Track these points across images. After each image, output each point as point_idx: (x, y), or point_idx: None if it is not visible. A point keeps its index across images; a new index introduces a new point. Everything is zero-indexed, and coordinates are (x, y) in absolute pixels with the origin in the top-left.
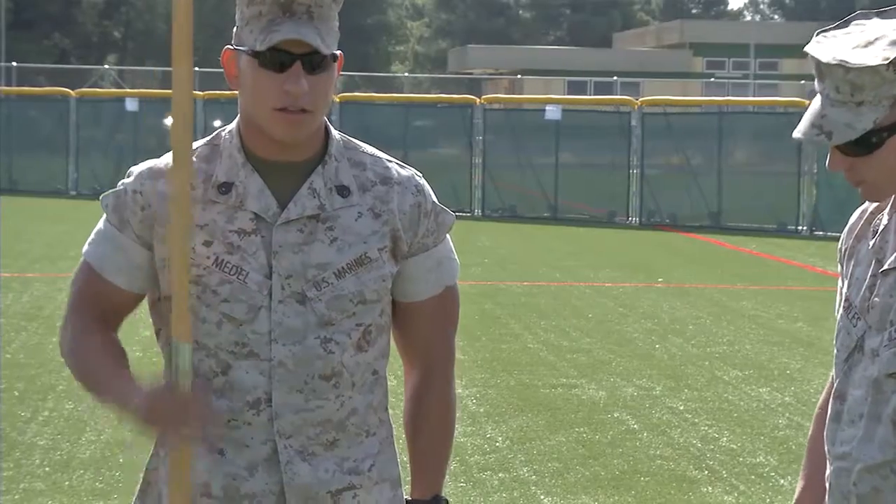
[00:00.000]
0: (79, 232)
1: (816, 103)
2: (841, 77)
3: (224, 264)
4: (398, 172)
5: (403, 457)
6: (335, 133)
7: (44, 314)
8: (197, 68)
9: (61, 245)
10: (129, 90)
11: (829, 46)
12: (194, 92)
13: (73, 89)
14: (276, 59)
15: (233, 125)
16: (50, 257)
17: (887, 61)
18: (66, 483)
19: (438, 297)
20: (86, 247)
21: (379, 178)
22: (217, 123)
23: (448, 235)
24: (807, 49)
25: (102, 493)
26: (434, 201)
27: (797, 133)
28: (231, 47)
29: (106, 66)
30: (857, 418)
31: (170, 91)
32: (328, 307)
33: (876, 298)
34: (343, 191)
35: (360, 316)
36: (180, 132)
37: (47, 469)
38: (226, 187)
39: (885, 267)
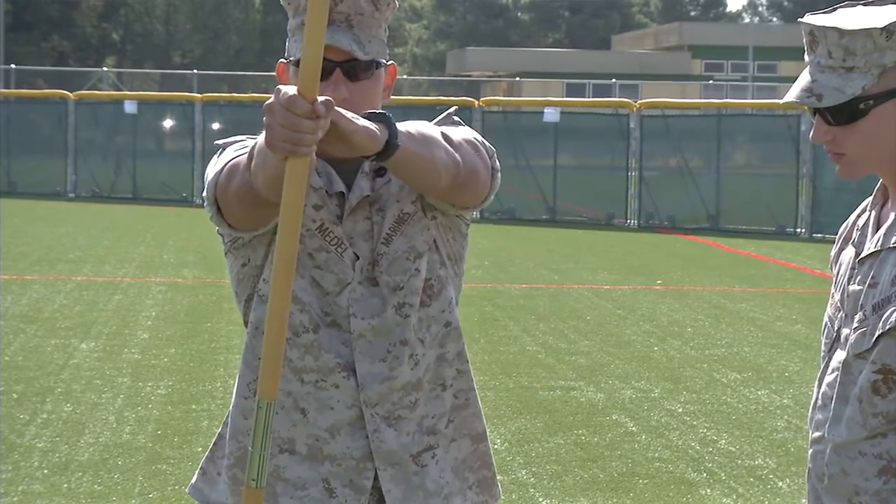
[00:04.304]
0: (78, 234)
1: (806, 72)
2: (835, 41)
3: (328, 233)
4: None
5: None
6: None
7: (42, 316)
8: (195, 70)
9: (60, 247)
10: (127, 93)
11: (822, 16)
12: (192, 94)
13: (71, 92)
14: None
15: None
16: (49, 260)
17: (882, 26)
18: (65, 485)
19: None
20: (214, 166)
21: None
22: (216, 126)
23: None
24: (801, 19)
25: (101, 496)
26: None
27: (788, 97)
28: (284, 60)
29: (104, 69)
30: (829, 401)
31: (168, 93)
32: (389, 273)
33: (852, 287)
34: (381, 171)
35: (418, 269)
36: (292, 195)
37: (46, 471)
38: (317, 172)
39: (862, 255)
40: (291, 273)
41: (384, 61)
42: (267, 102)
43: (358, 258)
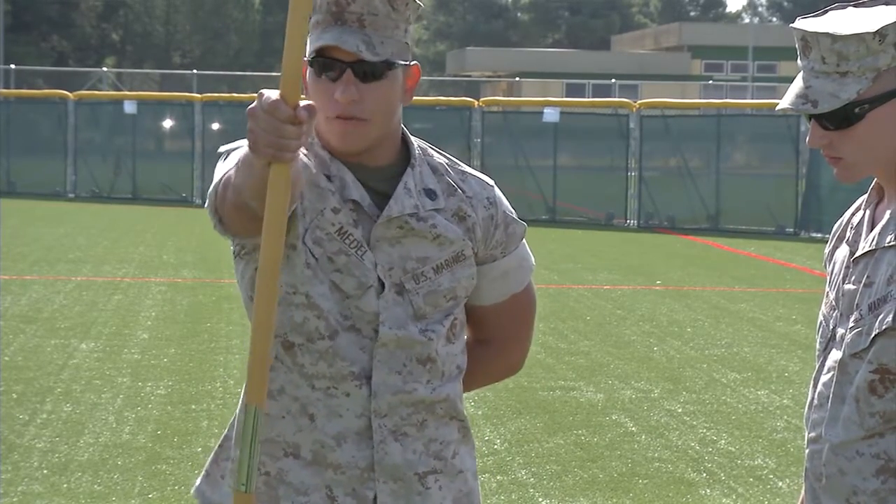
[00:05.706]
0: (77, 234)
1: (800, 78)
2: (828, 46)
3: (347, 235)
4: (472, 183)
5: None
6: (412, 138)
7: (42, 317)
8: (195, 70)
9: (60, 247)
10: (127, 93)
11: (814, 21)
12: (192, 94)
13: (71, 92)
14: (326, 67)
15: None
16: (48, 260)
17: (874, 30)
18: (65, 486)
19: (504, 303)
20: (216, 174)
21: (457, 186)
22: (216, 126)
23: (523, 242)
24: (792, 25)
25: (101, 496)
26: (505, 212)
27: (783, 104)
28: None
29: (104, 69)
30: (825, 401)
31: (167, 93)
32: (424, 301)
33: (847, 286)
34: (431, 194)
35: (450, 310)
36: (275, 201)
37: (45, 472)
38: (328, 176)
39: (857, 254)
40: (276, 278)
41: (402, 62)
42: (250, 107)
43: (378, 264)
